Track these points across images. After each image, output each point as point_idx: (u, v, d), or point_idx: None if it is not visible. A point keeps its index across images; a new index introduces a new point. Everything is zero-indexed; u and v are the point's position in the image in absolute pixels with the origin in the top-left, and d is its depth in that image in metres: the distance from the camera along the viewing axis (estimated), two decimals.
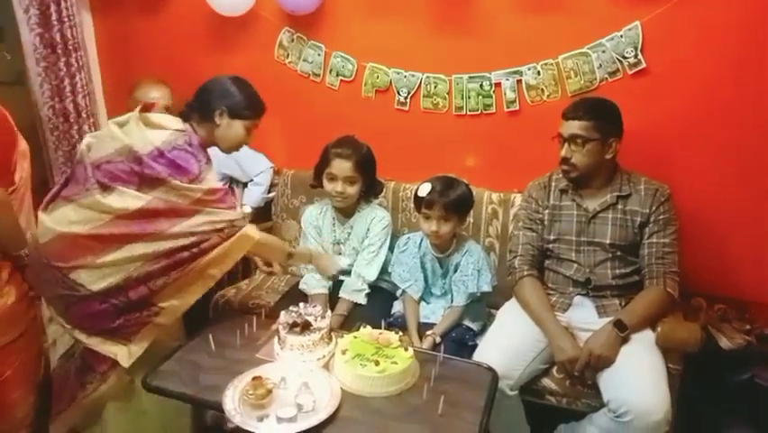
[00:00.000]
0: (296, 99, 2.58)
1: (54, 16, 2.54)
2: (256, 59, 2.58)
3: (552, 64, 2.17)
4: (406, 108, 2.42)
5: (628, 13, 2.04)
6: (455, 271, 2.05)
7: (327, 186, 2.10)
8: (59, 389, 1.80)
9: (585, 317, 1.89)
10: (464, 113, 2.34)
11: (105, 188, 1.60)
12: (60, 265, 1.59)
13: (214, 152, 1.83)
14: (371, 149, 2.12)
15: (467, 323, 2.05)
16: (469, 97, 2.31)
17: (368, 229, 2.17)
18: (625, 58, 2.07)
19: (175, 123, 1.75)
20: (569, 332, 1.84)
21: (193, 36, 2.69)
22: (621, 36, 2.06)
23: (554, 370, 1.88)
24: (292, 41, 2.52)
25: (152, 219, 1.60)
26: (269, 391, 1.42)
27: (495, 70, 2.25)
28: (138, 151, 1.61)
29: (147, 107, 1.79)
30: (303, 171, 2.50)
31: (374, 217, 2.17)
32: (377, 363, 1.52)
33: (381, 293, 2.20)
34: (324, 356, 1.62)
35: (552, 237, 1.97)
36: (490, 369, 1.63)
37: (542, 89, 2.22)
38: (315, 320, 1.65)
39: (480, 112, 2.32)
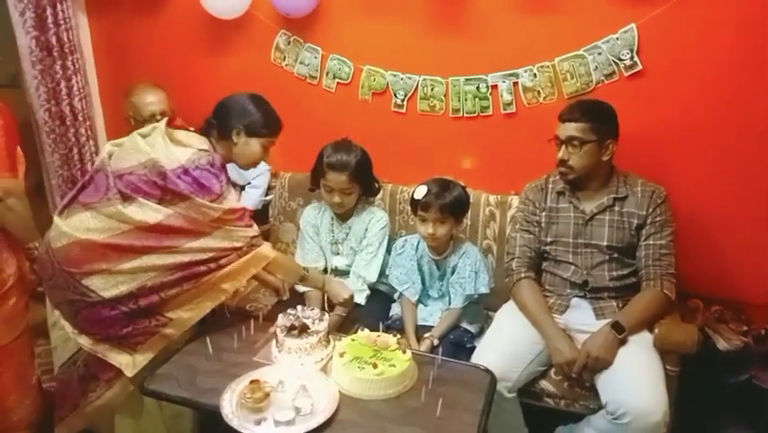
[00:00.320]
0: (293, 102, 2.56)
1: (50, 19, 2.52)
2: (252, 62, 2.58)
3: (548, 66, 2.18)
4: (403, 111, 2.42)
5: (624, 15, 2.04)
6: (452, 273, 2.05)
7: (325, 196, 2.11)
8: (62, 395, 1.79)
9: (582, 319, 1.89)
10: (461, 115, 2.34)
11: (126, 198, 1.62)
12: (73, 270, 1.59)
13: None
14: (366, 152, 2.12)
15: (464, 325, 2.05)
16: (465, 100, 2.31)
17: (366, 230, 2.17)
18: (621, 60, 2.08)
19: (200, 142, 1.77)
20: (566, 334, 1.84)
21: (189, 39, 2.68)
22: (617, 38, 2.06)
23: (552, 372, 1.88)
24: (288, 43, 2.52)
25: (170, 234, 1.61)
26: (267, 395, 1.42)
27: (491, 73, 2.25)
28: (163, 166, 1.63)
29: (171, 121, 1.81)
30: (300, 174, 2.49)
31: (372, 218, 2.18)
32: (375, 366, 1.51)
33: (379, 296, 2.20)
34: (321, 359, 1.62)
35: (549, 239, 1.97)
36: (488, 371, 1.64)
37: (538, 91, 2.22)
38: (313, 323, 1.65)
39: (476, 114, 2.32)
